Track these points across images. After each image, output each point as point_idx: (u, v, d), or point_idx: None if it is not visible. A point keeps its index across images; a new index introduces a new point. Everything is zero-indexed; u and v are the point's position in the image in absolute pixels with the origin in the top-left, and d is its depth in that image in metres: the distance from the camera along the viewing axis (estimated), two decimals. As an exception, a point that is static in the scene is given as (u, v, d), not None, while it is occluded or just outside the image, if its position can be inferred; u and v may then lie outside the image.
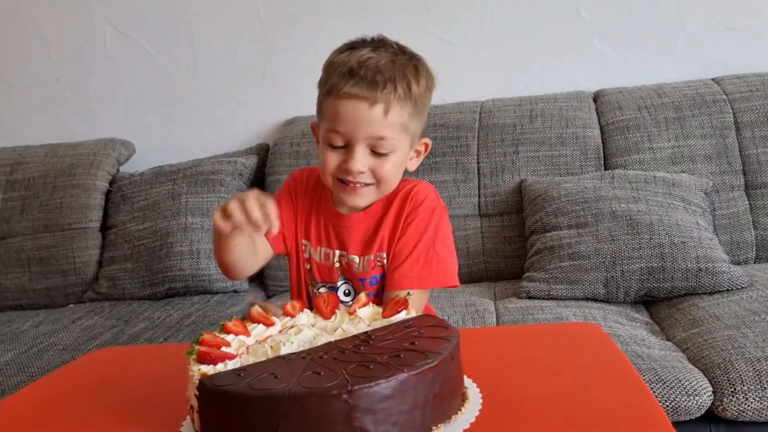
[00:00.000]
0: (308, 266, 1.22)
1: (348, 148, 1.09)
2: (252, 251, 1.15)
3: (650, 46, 2.31)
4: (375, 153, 1.10)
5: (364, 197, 1.14)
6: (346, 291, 1.19)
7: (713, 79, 2.21)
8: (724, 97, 2.11)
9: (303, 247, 1.22)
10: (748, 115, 2.07)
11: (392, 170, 1.12)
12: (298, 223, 1.22)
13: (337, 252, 1.19)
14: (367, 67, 1.07)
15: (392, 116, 1.08)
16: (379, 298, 1.18)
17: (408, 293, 0.98)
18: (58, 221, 2.32)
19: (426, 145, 1.20)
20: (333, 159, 1.11)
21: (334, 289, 1.19)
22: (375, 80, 1.06)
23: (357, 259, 1.18)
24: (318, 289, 1.21)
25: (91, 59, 2.56)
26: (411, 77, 1.10)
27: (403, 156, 1.14)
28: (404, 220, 1.16)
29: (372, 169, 1.10)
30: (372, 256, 1.17)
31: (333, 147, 1.10)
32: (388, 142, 1.09)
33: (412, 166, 1.19)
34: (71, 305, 2.26)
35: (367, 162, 1.09)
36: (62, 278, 2.29)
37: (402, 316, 0.92)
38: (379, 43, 1.12)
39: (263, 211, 0.95)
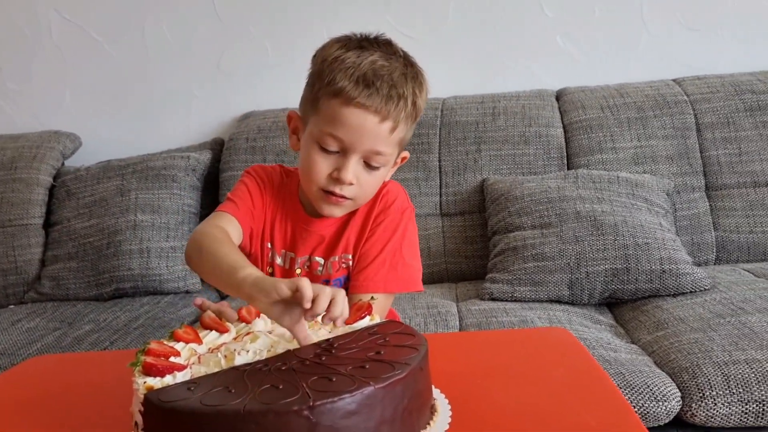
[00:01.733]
0: (270, 270, 1.16)
1: (342, 155, 1.03)
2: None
3: (613, 45, 2.31)
4: (366, 165, 1.04)
5: (343, 209, 1.09)
6: None
7: (674, 80, 2.21)
8: (685, 98, 2.11)
9: (267, 250, 1.15)
10: (708, 116, 2.07)
11: (376, 184, 1.09)
12: (266, 223, 1.15)
13: (300, 259, 1.14)
14: (382, 79, 1.00)
15: (397, 133, 1.04)
16: None
17: (372, 297, 0.93)
18: (-2, 217, 2.21)
19: (403, 158, 1.15)
20: (323, 166, 1.04)
21: None
22: (390, 95, 1.00)
23: (322, 261, 1.13)
24: None
25: (35, 47, 2.45)
26: (417, 92, 1.05)
27: (388, 170, 1.10)
28: (373, 221, 1.12)
29: (359, 182, 1.05)
30: (337, 258, 1.13)
31: (325, 151, 1.04)
32: (383, 157, 1.04)
33: (387, 176, 1.15)
34: (12, 306, 2.16)
35: (357, 173, 1.04)
36: (2, 278, 2.19)
37: (366, 322, 0.88)
38: (388, 49, 1.06)
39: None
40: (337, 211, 1.09)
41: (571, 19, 2.30)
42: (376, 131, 1.01)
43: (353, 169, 1.03)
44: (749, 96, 2.07)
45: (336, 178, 1.04)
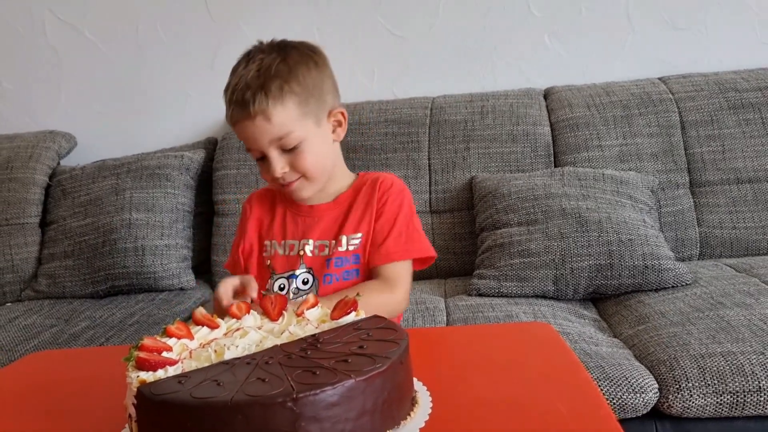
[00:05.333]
0: (268, 262, 1.25)
1: (265, 157, 1.18)
2: None
3: (599, 44, 2.34)
4: (287, 151, 1.17)
5: (302, 190, 1.22)
6: (305, 279, 1.22)
7: (660, 79, 2.24)
8: (670, 96, 2.14)
9: (265, 248, 1.27)
10: (693, 114, 2.10)
11: (315, 157, 1.19)
12: (262, 230, 1.28)
13: (301, 242, 1.23)
14: (237, 89, 1.15)
15: (277, 117, 1.14)
16: (347, 281, 1.21)
17: (357, 294, 0.97)
18: (-5, 216, 2.24)
19: (342, 113, 1.24)
20: (263, 170, 1.21)
21: (293, 276, 1.22)
22: (245, 99, 1.13)
23: (327, 243, 1.22)
24: (275, 281, 1.23)
25: (30, 48, 2.47)
26: (282, 74, 1.15)
27: (317, 140, 1.19)
28: (378, 202, 1.23)
29: (292, 166, 1.18)
30: (345, 238, 1.21)
31: (258, 160, 1.20)
32: (291, 137, 1.15)
33: (338, 136, 1.25)
34: (8, 304, 2.18)
35: (284, 162, 1.17)
36: (-1, 276, 2.21)
37: (351, 317, 0.90)
38: (258, 52, 1.18)
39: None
40: (301, 194, 1.22)
41: (558, 19, 2.33)
42: (259, 129, 1.14)
43: (276, 163, 1.17)
44: (733, 94, 2.11)
45: (272, 177, 1.19)
